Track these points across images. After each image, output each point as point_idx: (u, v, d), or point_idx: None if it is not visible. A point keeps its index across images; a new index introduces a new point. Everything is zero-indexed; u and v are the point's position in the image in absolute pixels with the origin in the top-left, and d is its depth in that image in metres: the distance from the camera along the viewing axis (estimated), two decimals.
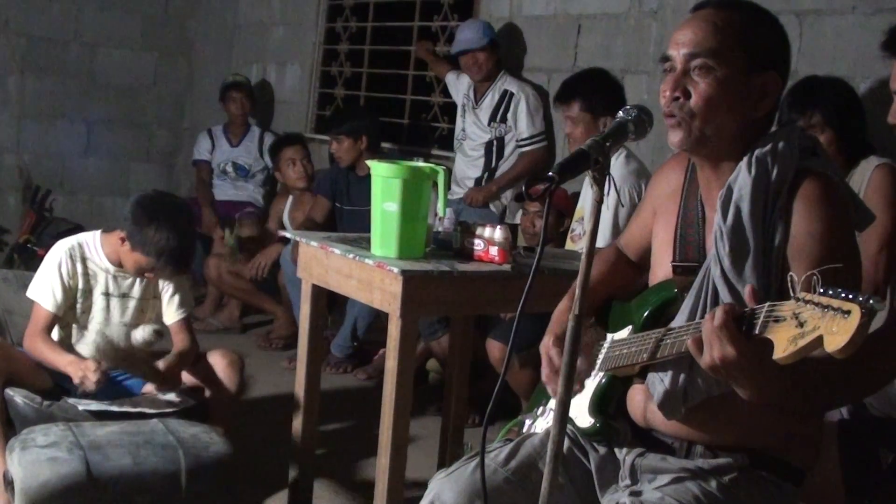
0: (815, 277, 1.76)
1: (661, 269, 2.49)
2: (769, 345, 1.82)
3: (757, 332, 1.87)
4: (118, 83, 9.18)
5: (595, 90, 4.89)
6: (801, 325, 1.75)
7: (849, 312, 1.67)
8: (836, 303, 1.70)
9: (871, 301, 1.66)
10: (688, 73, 2.27)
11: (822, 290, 1.74)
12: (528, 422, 2.83)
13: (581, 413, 2.51)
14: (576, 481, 2.50)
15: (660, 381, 2.28)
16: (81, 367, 3.84)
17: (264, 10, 8.99)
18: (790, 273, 1.85)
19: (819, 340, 1.71)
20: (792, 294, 1.80)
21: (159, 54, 9.42)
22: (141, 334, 3.94)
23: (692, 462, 2.35)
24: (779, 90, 2.33)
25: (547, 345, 2.56)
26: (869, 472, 2.85)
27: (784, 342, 1.77)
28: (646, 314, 2.44)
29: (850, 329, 1.66)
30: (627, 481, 2.42)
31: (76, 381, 3.84)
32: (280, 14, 8.84)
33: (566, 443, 2.52)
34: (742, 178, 2.25)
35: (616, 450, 2.49)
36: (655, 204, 2.60)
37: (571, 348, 2.13)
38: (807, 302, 1.76)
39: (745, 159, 2.27)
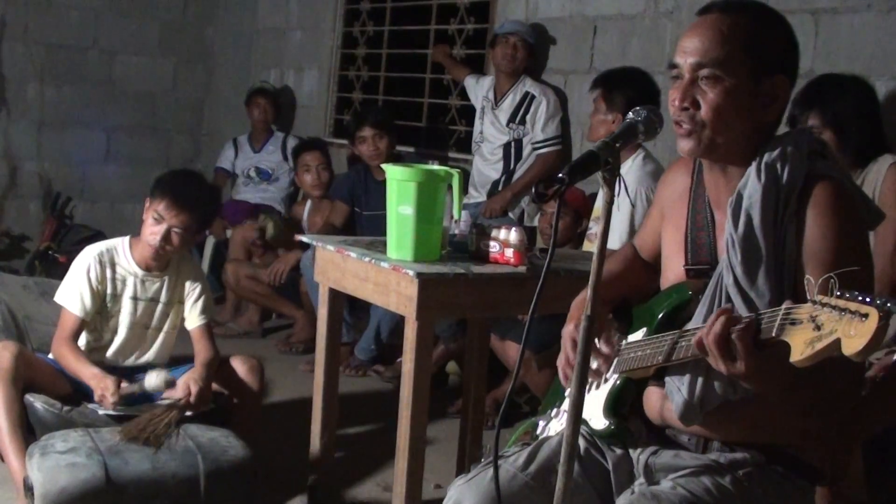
0: (832, 281, 1.77)
1: (673, 272, 2.49)
2: (786, 347, 1.82)
3: (773, 334, 1.88)
4: (137, 90, 9.20)
5: (638, 84, 4.91)
6: (818, 328, 1.76)
7: (866, 315, 1.68)
8: (853, 306, 1.71)
9: (888, 304, 1.67)
10: (695, 82, 2.27)
11: (838, 293, 1.75)
12: (541, 423, 2.84)
13: (596, 415, 2.52)
14: (594, 481, 2.50)
15: (678, 391, 2.29)
16: (102, 385, 3.88)
17: (282, 16, 9.01)
18: (807, 276, 1.86)
19: (837, 343, 1.71)
20: (808, 297, 1.80)
21: (178, 61, 9.44)
22: (154, 381, 3.96)
23: (707, 456, 2.36)
24: (787, 93, 2.32)
25: (570, 331, 2.55)
26: (894, 480, 2.85)
27: (801, 345, 1.78)
28: (660, 316, 2.44)
29: (868, 332, 1.66)
30: (642, 479, 2.42)
31: (96, 397, 3.90)
32: (298, 19, 8.86)
33: (583, 444, 2.53)
34: (752, 184, 2.25)
35: (632, 450, 2.50)
36: (664, 207, 2.61)
37: (584, 349, 2.13)
38: (823, 305, 1.76)
39: (755, 165, 2.26)
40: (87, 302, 4.06)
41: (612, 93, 4.85)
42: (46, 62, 8.67)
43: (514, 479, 2.47)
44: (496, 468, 2.35)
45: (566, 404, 2.50)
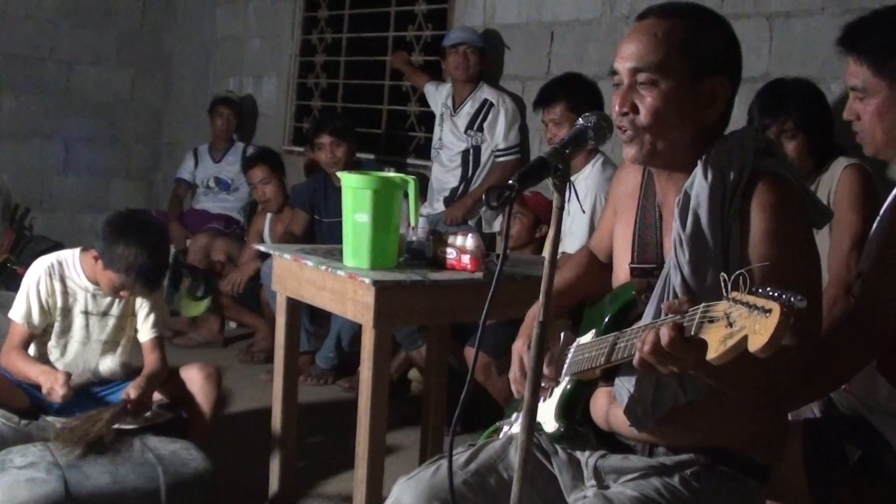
0: (742, 276, 1.77)
1: (622, 270, 2.50)
2: (704, 345, 1.82)
3: (693, 333, 1.87)
4: (95, 100, 9.15)
5: (576, 90, 4.95)
6: (730, 324, 1.75)
7: (770, 311, 1.67)
8: (760, 301, 1.70)
9: (792, 299, 1.66)
10: (634, 87, 2.28)
11: (752, 289, 1.74)
12: (505, 428, 2.84)
13: (548, 418, 2.53)
14: (539, 487, 2.50)
15: (626, 391, 2.29)
16: (51, 378, 3.84)
17: (240, 24, 8.99)
18: (721, 273, 1.84)
19: (745, 340, 1.71)
20: (724, 294, 1.80)
21: (136, 70, 9.41)
22: (109, 366, 3.94)
23: (655, 459, 2.37)
24: (728, 93, 2.32)
25: (519, 348, 2.58)
26: (834, 469, 2.86)
27: (716, 343, 1.77)
28: (607, 319, 2.45)
29: (769, 328, 1.66)
30: (593, 482, 2.43)
31: (45, 390, 3.85)
32: (256, 27, 8.85)
33: None
34: (698, 183, 2.26)
35: (579, 453, 2.50)
36: (616, 204, 2.62)
37: (537, 355, 2.14)
38: (737, 301, 1.76)
39: (700, 164, 2.27)
40: (35, 315, 4.00)
41: (578, 100, 4.87)
42: (3, 73, 8.63)
43: (453, 477, 2.48)
44: (450, 467, 2.35)
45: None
